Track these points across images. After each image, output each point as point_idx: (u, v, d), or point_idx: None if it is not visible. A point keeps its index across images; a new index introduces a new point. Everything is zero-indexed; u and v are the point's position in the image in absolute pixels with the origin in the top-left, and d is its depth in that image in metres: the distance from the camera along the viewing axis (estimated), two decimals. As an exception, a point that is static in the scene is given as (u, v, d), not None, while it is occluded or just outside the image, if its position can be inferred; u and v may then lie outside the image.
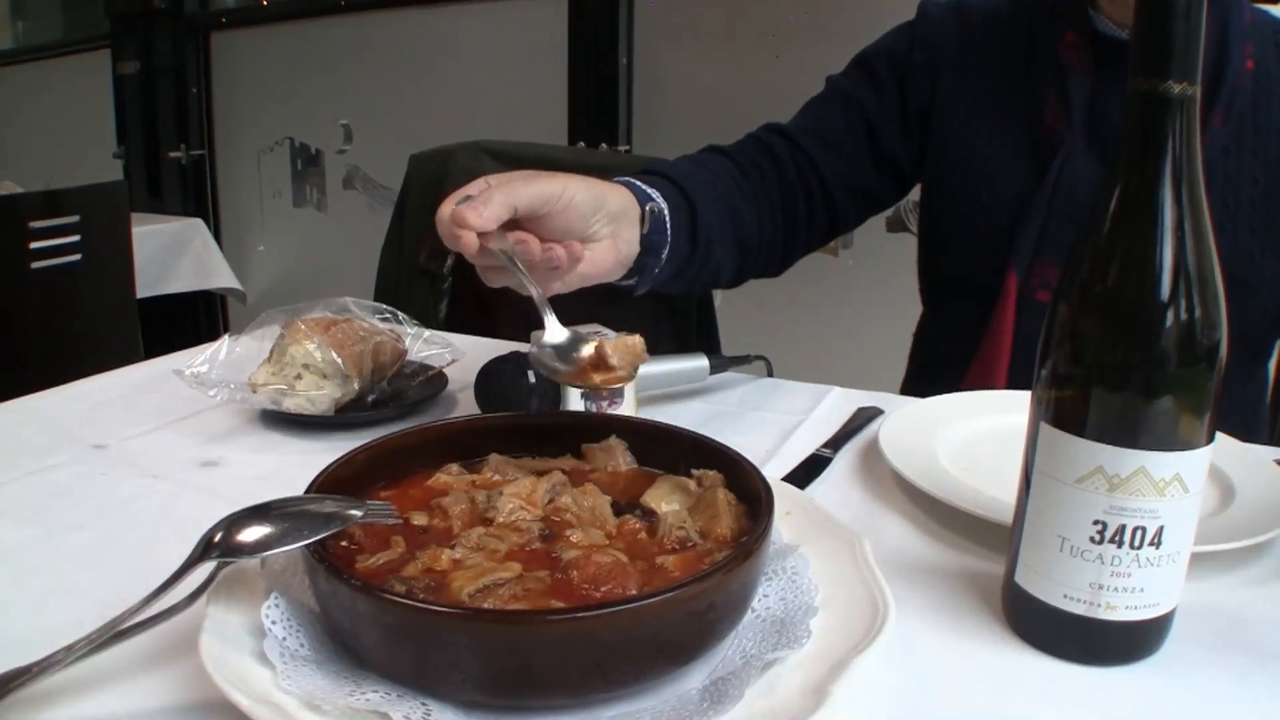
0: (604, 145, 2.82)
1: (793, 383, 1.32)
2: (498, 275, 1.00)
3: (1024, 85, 1.39)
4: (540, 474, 0.78)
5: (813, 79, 2.53)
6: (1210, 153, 1.28)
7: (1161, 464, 0.66)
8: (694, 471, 0.79)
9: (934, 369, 1.55)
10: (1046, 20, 1.38)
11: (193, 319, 4.11)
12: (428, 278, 1.89)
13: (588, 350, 0.91)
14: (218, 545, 0.61)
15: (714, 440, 0.79)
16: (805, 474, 1.03)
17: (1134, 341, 0.67)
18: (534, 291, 0.94)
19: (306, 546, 0.60)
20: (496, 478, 0.79)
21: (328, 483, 0.70)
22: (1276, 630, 0.78)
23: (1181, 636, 0.73)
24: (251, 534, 0.61)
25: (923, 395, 1.31)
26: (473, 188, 0.97)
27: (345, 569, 0.59)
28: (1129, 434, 0.67)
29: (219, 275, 3.64)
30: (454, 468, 0.80)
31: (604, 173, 1.90)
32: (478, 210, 0.92)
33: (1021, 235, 1.34)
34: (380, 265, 2.01)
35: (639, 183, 1.17)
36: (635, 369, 0.92)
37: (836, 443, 1.11)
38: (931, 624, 0.76)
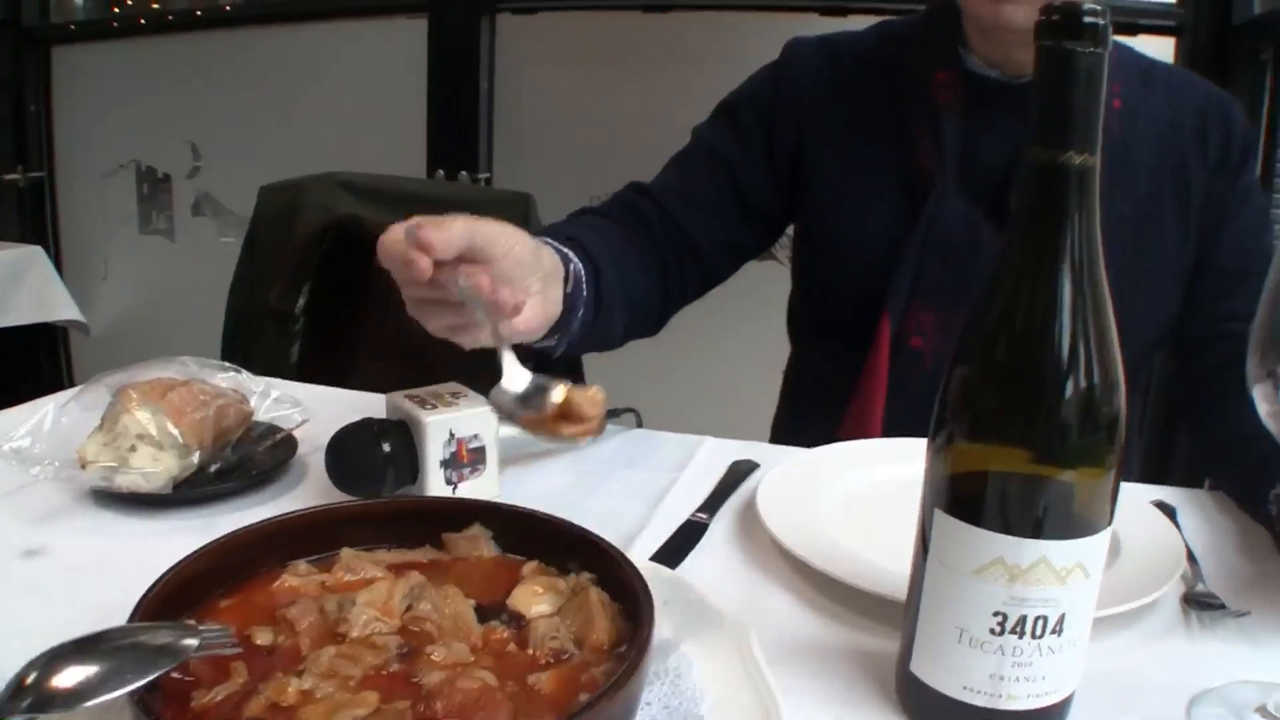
0: (464, 173, 2.74)
1: (663, 434, 1.27)
2: (433, 312, 0.94)
3: (895, 125, 1.37)
4: (397, 571, 0.72)
5: (675, 106, 2.50)
6: None
7: (1063, 552, 0.64)
8: (566, 566, 0.74)
9: (806, 410, 1.52)
10: (917, 58, 1.37)
11: (31, 353, 3.91)
12: (279, 318, 1.80)
13: (556, 397, 0.88)
14: (28, 691, 0.53)
15: (583, 530, 0.74)
16: (680, 544, 0.98)
17: (1034, 424, 0.65)
18: (491, 329, 0.89)
19: (132, 694, 0.53)
20: (349, 577, 0.72)
21: (158, 599, 0.62)
22: (1174, 694, 0.77)
23: (1081, 710, 0.71)
24: (70, 677, 0.53)
25: (796, 438, 1.28)
26: (421, 220, 0.89)
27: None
28: (1031, 524, 0.64)
29: (60, 306, 3.45)
30: (301, 566, 0.73)
31: (466, 207, 1.85)
32: (443, 232, 0.85)
33: (894, 279, 1.31)
34: (229, 304, 1.91)
35: (553, 243, 1.11)
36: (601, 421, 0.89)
37: (712, 505, 1.06)
38: (826, 716, 0.72)
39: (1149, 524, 1.01)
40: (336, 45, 3.13)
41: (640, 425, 1.29)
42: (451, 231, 0.86)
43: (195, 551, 0.68)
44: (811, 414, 1.45)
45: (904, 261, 1.31)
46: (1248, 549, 1.05)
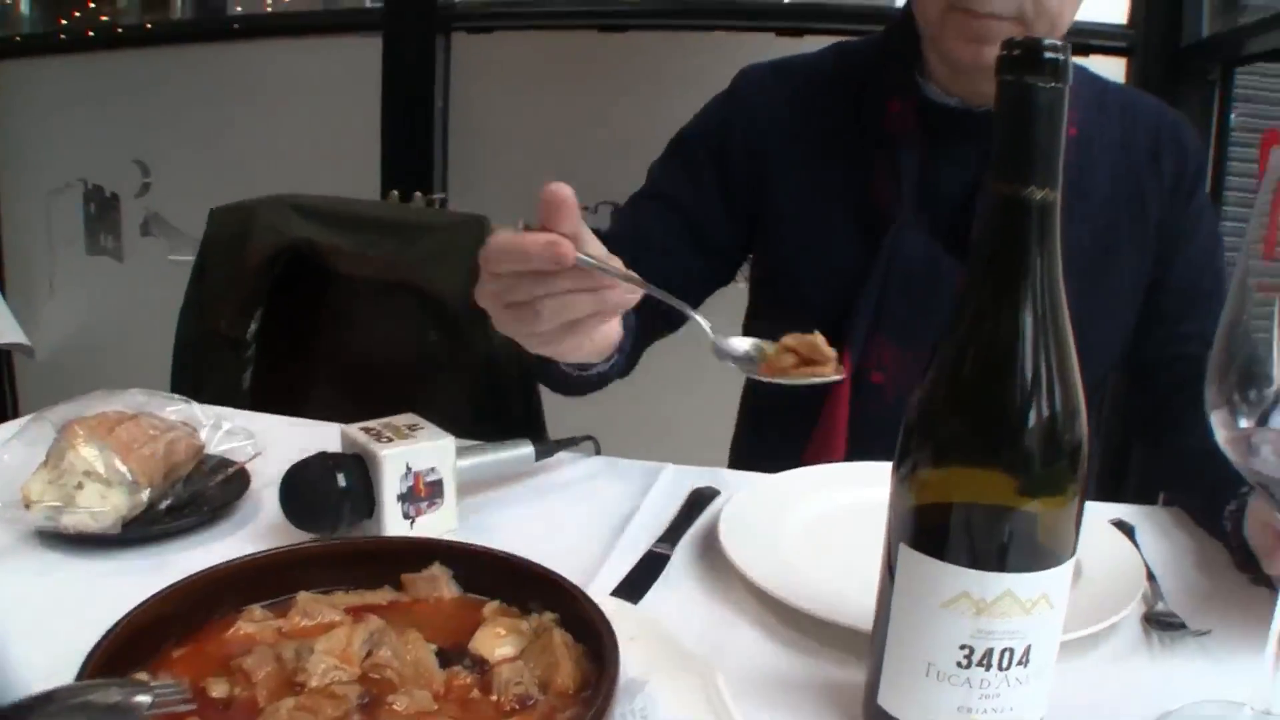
0: (418, 194, 2.72)
1: (623, 461, 1.26)
2: (544, 308, 0.91)
3: (851, 154, 1.36)
4: (356, 614, 0.70)
5: (631, 125, 2.50)
6: None
7: (1029, 584, 0.64)
8: (528, 605, 0.72)
9: (766, 438, 1.51)
10: (873, 85, 1.36)
11: (-27, 378, 3.84)
12: (231, 344, 1.78)
13: (772, 348, 0.98)
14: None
15: (544, 569, 0.73)
16: (642, 577, 0.96)
17: (999, 457, 0.64)
18: (657, 292, 0.94)
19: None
20: (306, 622, 0.70)
21: (108, 652, 0.60)
22: (1139, 716, 0.78)
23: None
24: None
25: (755, 463, 1.28)
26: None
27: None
28: (996, 557, 0.64)
29: (3, 329, 3.38)
30: (256, 611, 0.71)
31: (421, 229, 1.83)
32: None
33: (855, 313, 1.31)
34: (179, 330, 1.87)
35: None
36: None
37: (673, 535, 1.05)
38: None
39: (1108, 544, 1.01)
40: (290, 62, 3.10)
41: (599, 452, 1.28)
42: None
43: (145, 601, 0.66)
44: (771, 442, 1.44)
45: (864, 296, 1.31)
46: (1205, 565, 1.06)
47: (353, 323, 1.84)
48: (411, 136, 2.79)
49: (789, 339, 0.98)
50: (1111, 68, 2.38)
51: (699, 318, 0.99)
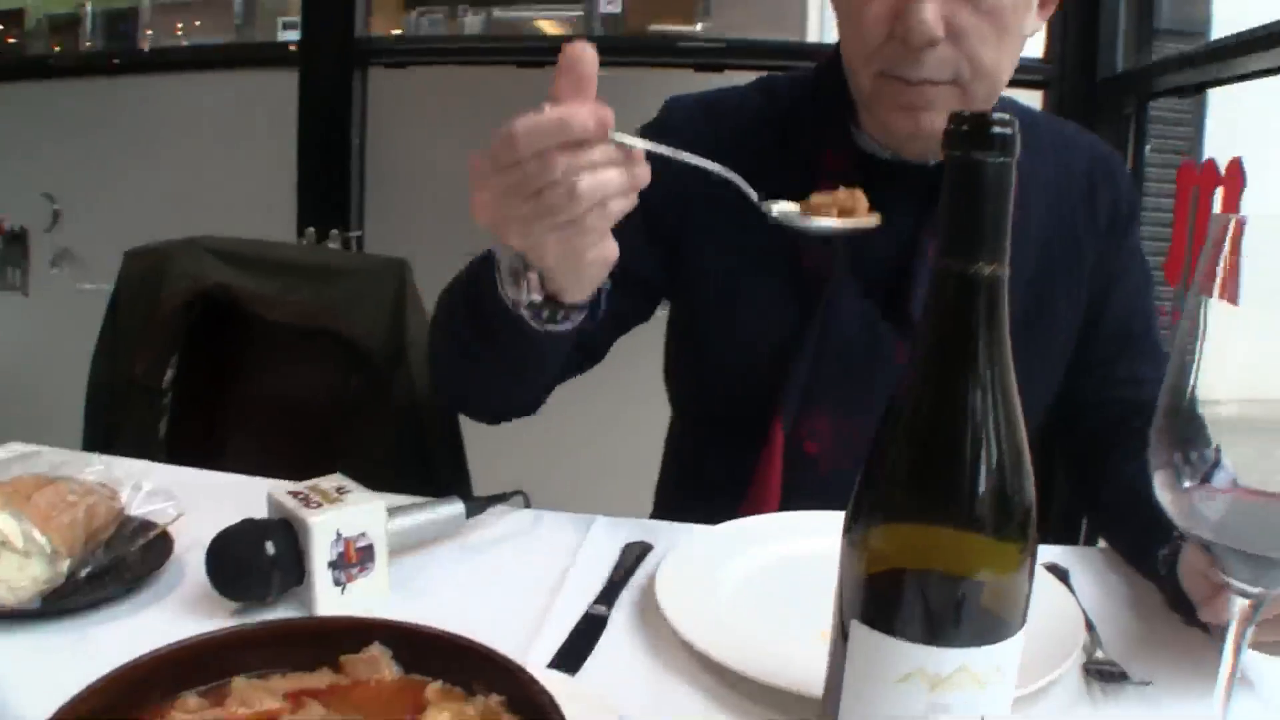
0: (335, 231, 2.68)
1: (553, 515, 1.24)
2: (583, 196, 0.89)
3: None
4: (295, 700, 0.68)
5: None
6: None
7: (984, 658, 0.63)
8: (472, 685, 0.70)
9: (691, 486, 1.47)
10: (805, 133, 1.32)
11: None
12: (146, 392, 1.73)
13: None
14: None
15: (489, 650, 0.71)
16: (581, 643, 0.95)
17: (952, 530, 0.64)
18: (693, 159, 0.95)
19: None
20: (243, 710, 0.68)
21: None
22: None
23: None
24: None
25: (683, 512, 1.26)
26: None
27: None
28: (950, 632, 0.63)
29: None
30: (190, 700, 0.68)
31: (341, 273, 1.81)
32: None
33: (787, 382, 1.27)
34: (91, 375, 1.82)
35: None
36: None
37: (609, 595, 1.04)
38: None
39: (1046, 592, 1.01)
40: (203, 96, 3.05)
41: (528, 505, 1.26)
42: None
43: (71, 700, 0.62)
44: (699, 499, 1.37)
45: (797, 364, 1.27)
46: (1140, 607, 1.07)
47: (272, 369, 1.80)
48: (328, 173, 2.76)
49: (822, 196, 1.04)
50: (1029, 100, 2.42)
51: (737, 178, 1.00)
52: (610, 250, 0.96)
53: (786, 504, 1.26)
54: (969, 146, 0.61)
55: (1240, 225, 0.67)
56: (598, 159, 0.87)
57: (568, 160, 0.86)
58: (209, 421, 1.77)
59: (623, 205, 0.92)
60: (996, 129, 0.60)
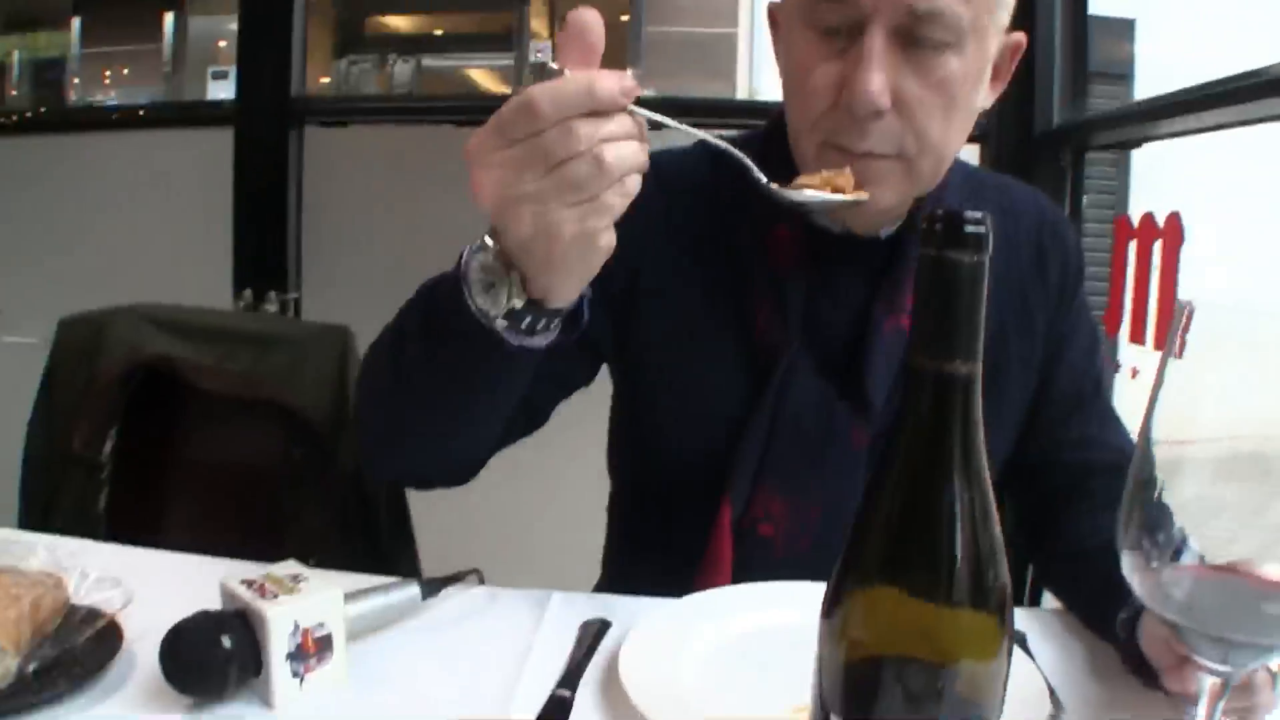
0: (272, 292, 2.65)
1: (508, 592, 1.22)
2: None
3: (732, 281, 1.28)
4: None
5: (488, 221, 2.48)
6: None
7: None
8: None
9: (640, 563, 1.42)
10: (756, 207, 1.26)
11: None
12: (85, 465, 1.70)
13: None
14: None
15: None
16: (551, 728, 0.94)
17: (932, 622, 0.64)
18: (698, 133, 0.94)
19: None
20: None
21: None
22: None
23: None
24: None
25: (630, 584, 1.24)
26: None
27: None
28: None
29: None
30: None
31: (282, 340, 1.79)
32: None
33: (737, 462, 1.23)
34: (26, 448, 1.78)
35: None
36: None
37: (572, 677, 1.02)
38: None
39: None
40: (137, 155, 3.00)
41: (483, 582, 1.25)
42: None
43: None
44: (648, 578, 1.31)
45: (748, 443, 1.23)
46: (1099, 670, 1.07)
47: (213, 439, 1.77)
48: (264, 234, 2.73)
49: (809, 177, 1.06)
50: (967, 154, 2.46)
51: (745, 159, 0.97)
52: (613, 237, 0.91)
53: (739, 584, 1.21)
54: (943, 246, 0.61)
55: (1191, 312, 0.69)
56: (617, 130, 0.84)
57: (590, 129, 0.82)
58: (150, 494, 1.73)
59: (637, 184, 0.88)
60: (970, 228, 0.61)
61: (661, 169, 1.31)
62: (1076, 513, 1.30)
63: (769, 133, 1.32)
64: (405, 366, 1.06)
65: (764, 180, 0.99)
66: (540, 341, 0.98)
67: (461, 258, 0.95)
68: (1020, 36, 1.24)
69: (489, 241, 0.92)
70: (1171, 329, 0.70)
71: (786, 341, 1.25)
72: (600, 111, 0.83)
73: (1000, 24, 1.19)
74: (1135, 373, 2.07)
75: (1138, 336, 2.06)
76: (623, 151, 0.84)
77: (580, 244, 0.88)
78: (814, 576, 1.11)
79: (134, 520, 1.69)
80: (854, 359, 1.25)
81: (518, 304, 0.93)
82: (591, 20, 0.85)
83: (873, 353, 1.24)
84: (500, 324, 0.94)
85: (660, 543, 1.36)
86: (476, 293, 0.94)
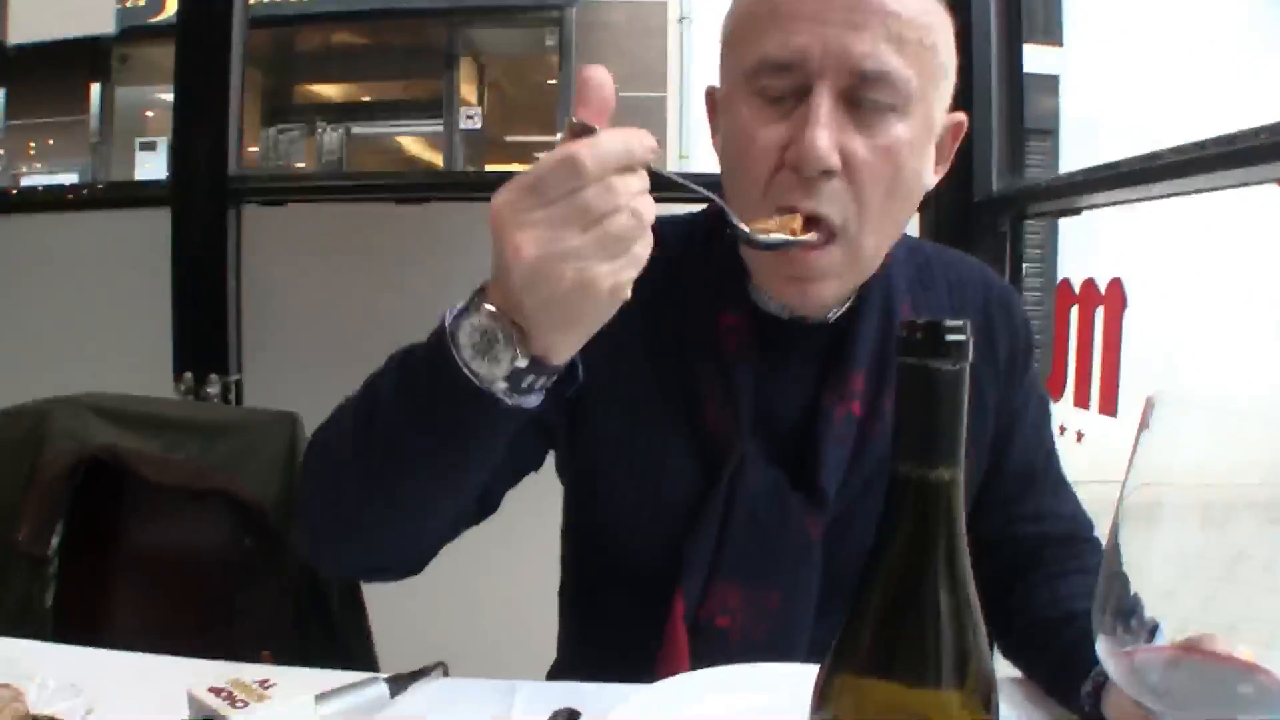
0: (213, 375, 2.62)
1: (474, 683, 1.20)
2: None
3: (680, 368, 1.26)
4: None
5: (435, 298, 2.47)
6: (884, 440, 1.24)
7: None
8: None
9: (595, 655, 1.38)
10: (699, 291, 1.28)
11: None
12: (30, 561, 1.66)
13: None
14: None
15: None
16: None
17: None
18: (690, 185, 0.97)
19: None
20: None
21: None
22: None
23: None
24: None
25: (585, 669, 1.24)
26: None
27: None
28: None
29: None
30: None
31: (231, 429, 1.78)
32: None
33: (690, 554, 1.22)
34: (-34, 545, 1.75)
35: None
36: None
37: (548, 769, 1.02)
38: None
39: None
40: (69, 237, 2.94)
41: (447, 674, 1.24)
42: None
43: None
44: (605, 669, 1.28)
45: (701, 535, 1.22)
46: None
47: (162, 532, 1.75)
48: (204, 315, 2.70)
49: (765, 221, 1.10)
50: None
51: (719, 201, 1.03)
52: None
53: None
54: (924, 355, 0.63)
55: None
56: (643, 185, 0.88)
57: (625, 184, 0.85)
58: (99, 589, 1.70)
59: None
60: (950, 336, 0.62)
61: None
62: (1033, 584, 1.31)
63: (707, 221, 1.34)
64: (377, 440, 1.02)
65: (740, 226, 1.03)
66: (534, 400, 0.96)
67: (442, 325, 0.94)
68: (962, 117, 1.26)
69: (485, 305, 0.91)
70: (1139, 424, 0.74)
71: (737, 431, 1.24)
72: (631, 167, 0.86)
73: (944, 97, 1.21)
74: (1080, 436, 2.11)
75: (1082, 401, 2.10)
76: (649, 203, 0.88)
77: (614, 296, 0.89)
78: (771, 660, 1.14)
79: (81, 617, 1.66)
80: (805, 447, 1.25)
81: (522, 364, 0.92)
82: (604, 77, 0.88)
83: (824, 441, 1.24)
84: (501, 386, 0.93)
85: (615, 634, 1.34)
86: (469, 357, 0.92)
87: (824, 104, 1.10)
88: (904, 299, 1.31)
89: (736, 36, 1.21)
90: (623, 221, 0.86)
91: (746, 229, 1.04)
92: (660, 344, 1.27)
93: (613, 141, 0.85)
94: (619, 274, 0.88)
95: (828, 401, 1.25)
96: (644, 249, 0.89)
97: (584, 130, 0.86)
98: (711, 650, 1.20)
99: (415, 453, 1.00)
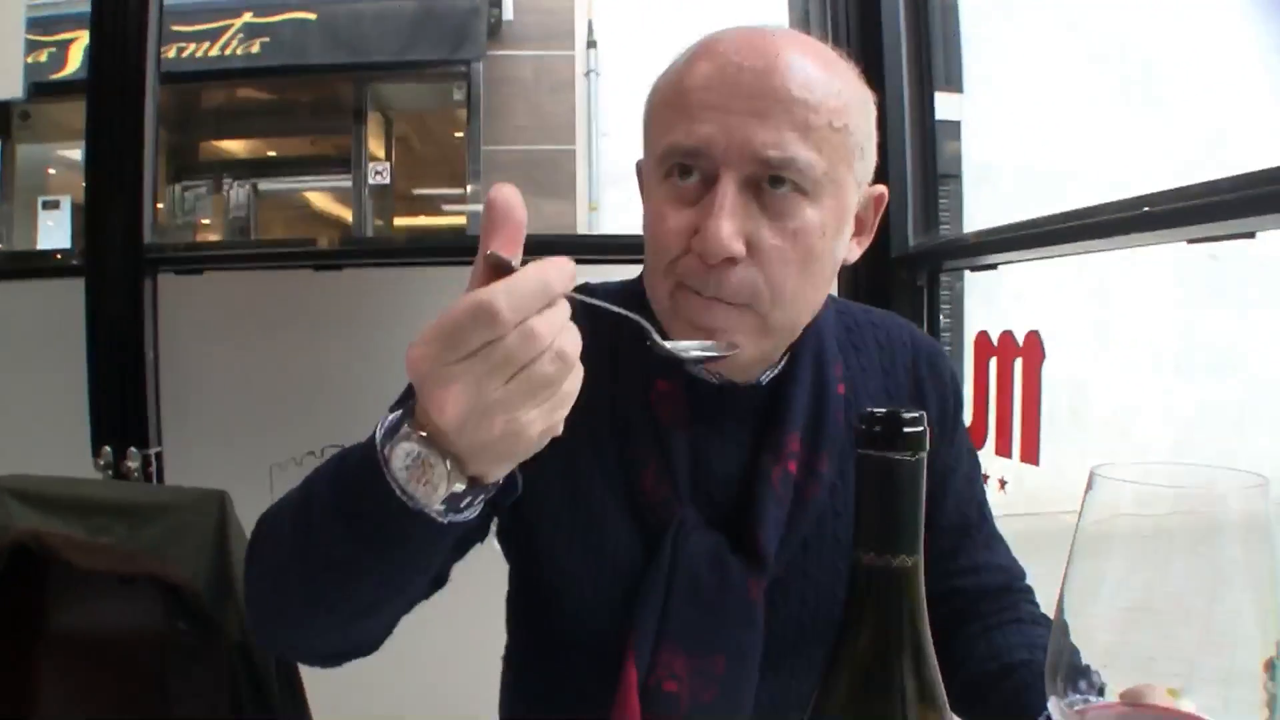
0: (133, 449, 2.56)
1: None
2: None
3: (618, 435, 1.28)
4: None
5: (357, 366, 2.48)
6: (820, 499, 1.28)
7: None
8: None
9: (541, 711, 1.39)
10: (634, 361, 1.28)
11: None
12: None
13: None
14: None
15: None
16: None
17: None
18: (613, 310, 0.96)
19: None
20: None
21: None
22: None
23: None
24: None
25: None
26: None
27: None
28: None
29: None
30: None
31: (159, 509, 1.75)
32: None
33: (638, 623, 1.22)
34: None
35: None
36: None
37: None
38: None
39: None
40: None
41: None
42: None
43: None
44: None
45: (646, 604, 1.23)
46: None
47: (91, 618, 1.71)
48: (121, 389, 2.64)
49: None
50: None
51: (640, 319, 1.01)
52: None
53: None
54: (883, 448, 0.65)
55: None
56: (564, 316, 0.84)
57: (546, 325, 0.81)
58: (26, 678, 1.66)
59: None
60: (909, 429, 0.65)
61: None
62: (971, 636, 1.34)
63: (631, 291, 1.35)
64: (315, 556, 0.99)
65: (658, 338, 1.03)
66: (471, 514, 0.94)
67: (375, 444, 0.91)
68: (883, 189, 1.29)
69: (418, 432, 0.88)
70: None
71: (676, 498, 1.25)
72: (551, 304, 0.82)
73: (861, 177, 1.24)
74: (1003, 484, 2.16)
75: (1003, 450, 2.15)
76: (574, 336, 0.85)
77: (546, 436, 0.88)
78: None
79: (10, 707, 1.61)
80: (743, 509, 1.27)
81: (459, 488, 0.89)
82: (513, 198, 0.84)
83: (762, 503, 1.26)
84: (437, 508, 0.90)
85: (563, 701, 1.34)
86: (404, 480, 0.88)
87: (729, 192, 1.13)
88: (835, 359, 1.34)
89: (652, 121, 1.25)
90: (545, 368, 0.83)
91: (665, 344, 1.05)
92: (597, 414, 1.27)
93: (528, 282, 0.80)
94: (549, 416, 0.86)
95: (764, 463, 1.27)
96: (573, 385, 0.87)
97: (499, 266, 0.81)
98: (662, 714, 1.21)
99: (357, 570, 0.98)
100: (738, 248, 1.13)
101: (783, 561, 1.27)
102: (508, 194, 0.84)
